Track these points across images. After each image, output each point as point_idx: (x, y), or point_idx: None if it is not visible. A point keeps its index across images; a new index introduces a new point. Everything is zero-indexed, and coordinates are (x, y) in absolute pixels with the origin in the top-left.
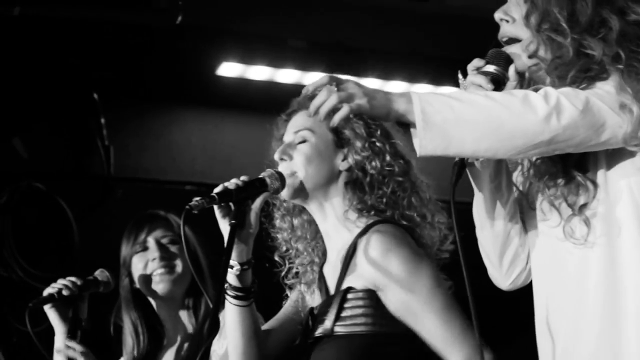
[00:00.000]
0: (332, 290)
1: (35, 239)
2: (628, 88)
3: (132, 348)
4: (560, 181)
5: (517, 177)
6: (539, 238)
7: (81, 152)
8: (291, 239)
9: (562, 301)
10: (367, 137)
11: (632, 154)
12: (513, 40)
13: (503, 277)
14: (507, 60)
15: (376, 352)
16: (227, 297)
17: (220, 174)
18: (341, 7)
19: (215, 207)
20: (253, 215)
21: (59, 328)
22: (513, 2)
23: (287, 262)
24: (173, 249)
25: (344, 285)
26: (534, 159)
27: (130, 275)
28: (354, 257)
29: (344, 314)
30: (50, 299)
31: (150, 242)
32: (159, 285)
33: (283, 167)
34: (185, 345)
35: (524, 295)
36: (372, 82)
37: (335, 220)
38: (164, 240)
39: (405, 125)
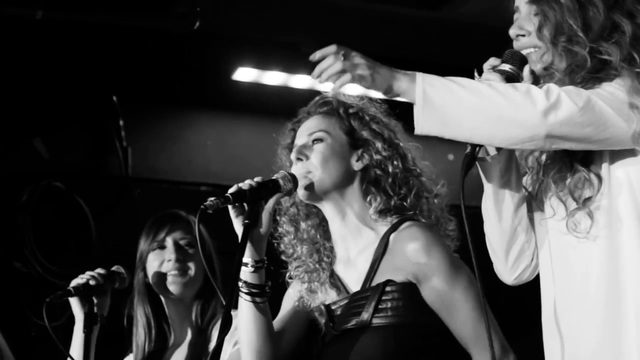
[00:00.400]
0: (351, 287)
1: (55, 236)
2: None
3: (144, 340)
4: (567, 176)
5: (527, 179)
6: (546, 235)
7: (100, 153)
8: (296, 242)
9: (568, 298)
10: (388, 138)
11: (634, 153)
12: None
13: (508, 271)
14: (522, 61)
15: (417, 342)
16: (241, 294)
17: (235, 176)
18: (354, 14)
19: (230, 207)
20: (266, 215)
21: (79, 319)
22: (524, 17)
23: (291, 264)
24: (189, 252)
25: (379, 279)
26: (543, 160)
27: (144, 270)
28: (386, 252)
29: (382, 305)
30: (66, 294)
31: (169, 242)
32: (172, 286)
33: (299, 167)
34: (192, 343)
35: (530, 294)
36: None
37: (356, 220)
38: (182, 242)
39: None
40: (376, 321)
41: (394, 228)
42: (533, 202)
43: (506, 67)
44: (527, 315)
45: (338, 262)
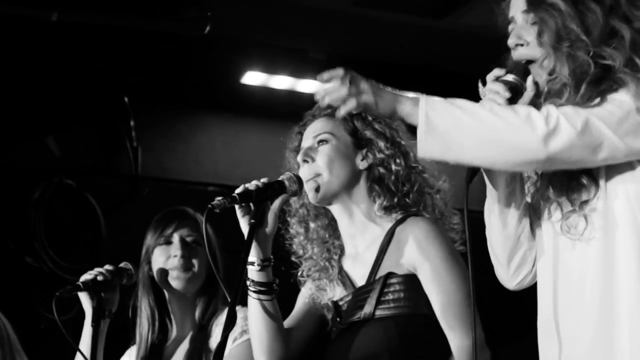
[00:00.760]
0: (357, 281)
1: (65, 232)
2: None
3: (147, 331)
4: (565, 181)
5: (528, 187)
6: (544, 238)
7: (111, 152)
8: (307, 243)
9: (565, 300)
10: (391, 137)
11: (631, 166)
12: (530, 62)
13: (510, 278)
14: (526, 71)
15: (418, 332)
16: (250, 293)
17: (241, 177)
18: (360, 22)
19: (236, 206)
20: (272, 215)
21: (89, 313)
22: (521, 26)
23: (302, 263)
24: (195, 249)
25: (383, 272)
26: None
27: (149, 264)
28: (390, 246)
29: (385, 297)
30: (75, 288)
31: (175, 238)
32: (175, 281)
33: (306, 169)
34: (193, 338)
35: (528, 295)
36: None
37: (363, 217)
38: (189, 239)
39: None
40: (379, 313)
41: (398, 223)
42: (532, 211)
43: (510, 77)
44: (525, 316)
45: (346, 258)
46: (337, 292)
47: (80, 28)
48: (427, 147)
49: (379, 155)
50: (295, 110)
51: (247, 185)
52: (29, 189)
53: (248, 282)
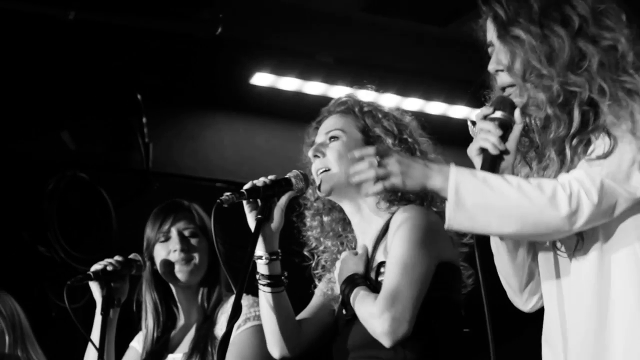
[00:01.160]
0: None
1: (78, 223)
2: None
3: (153, 325)
4: None
5: None
6: (544, 258)
7: (123, 147)
8: (321, 236)
9: (567, 314)
10: (398, 134)
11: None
12: (512, 85)
13: (524, 303)
14: (512, 105)
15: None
16: (260, 286)
17: (249, 174)
18: (366, 27)
19: (244, 202)
20: (278, 211)
21: (99, 302)
22: (499, 50)
23: (316, 256)
24: (193, 241)
25: (376, 262)
26: None
27: (152, 259)
28: (385, 236)
29: (380, 286)
30: (86, 278)
31: (173, 232)
32: (179, 274)
33: (317, 163)
34: (197, 329)
35: None
36: (390, 98)
37: (370, 212)
38: (186, 232)
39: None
40: None
41: (394, 214)
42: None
43: (498, 114)
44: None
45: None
46: None
47: (96, 27)
48: (455, 222)
49: None
50: (301, 111)
51: (255, 181)
52: (43, 181)
53: (257, 276)
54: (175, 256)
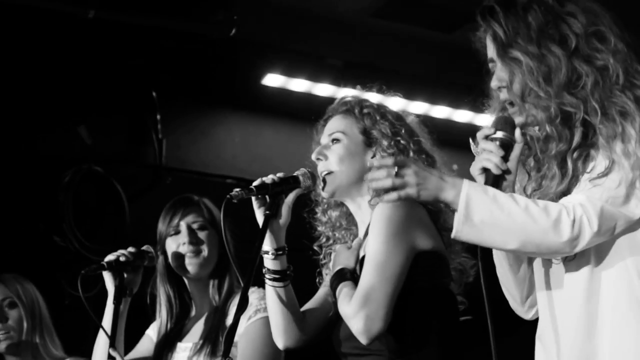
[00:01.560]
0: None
1: (92, 215)
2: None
3: (167, 317)
4: None
5: None
6: (539, 263)
7: (137, 142)
8: (330, 230)
9: (559, 318)
10: (392, 136)
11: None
12: (512, 104)
13: (525, 312)
14: (512, 125)
15: (399, 305)
16: (266, 280)
17: (258, 171)
18: (375, 32)
19: (253, 198)
20: (285, 208)
21: (111, 292)
22: (500, 68)
23: (325, 250)
24: (201, 234)
25: (362, 254)
26: None
27: (165, 253)
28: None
29: None
30: (99, 268)
31: (183, 226)
32: (189, 266)
33: (320, 166)
34: (210, 317)
35: None
36: (396, 101)
37: (367, 209)
38: (194, 226)
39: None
40: None
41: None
42: None
43: (499, 134)
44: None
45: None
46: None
47: (115, 26)
48: (462, 234)
49: (383, 154)
50: (310, 112)
51: (264, 178)
52: (60, 173)
53: (264, 270)
54: (184, 249)
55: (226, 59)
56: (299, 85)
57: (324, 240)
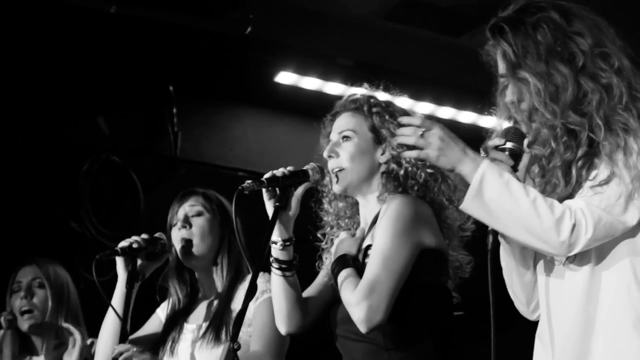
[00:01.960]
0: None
1: (108, 203)
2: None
3: (177, 298)
4: None
5: None
6: (542, 261)
7: (154, 134)
8: (335, 218)
9: (558, 316)
10: None
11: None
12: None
13: (530, 313)
14: (522, 136)
15: (400, 295)
16: (272, 269)
17: (269, 165)
18: (384, 34)
19: (264, 190)
20: (294, 200)
21: (122, 276)
22: (511, 84)
23: (328, 236)
24: (197, 221)
25: (366, 244)
26: None
27: (173, 245)
28: (376, 222)
29: (364, 268)
30: (113, 253)
31: (180, 214)
32: (181, 254)
33: (332, 163)
34: (215, 301)
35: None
36: (403, 101)
37: (374, 203)
38: (190, 213)
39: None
40: None
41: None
42: None
43: (509, 145)
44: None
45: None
46: None
47: (135, 21)
48: (469, 208)
49: (392, 152)
50: (321, 109)
51: (275, 171)
52: (79, 162)
53: (271, 259)
54: (179, 236)
55: (241, 56)
56: (310, 83)
57: (329, 229)
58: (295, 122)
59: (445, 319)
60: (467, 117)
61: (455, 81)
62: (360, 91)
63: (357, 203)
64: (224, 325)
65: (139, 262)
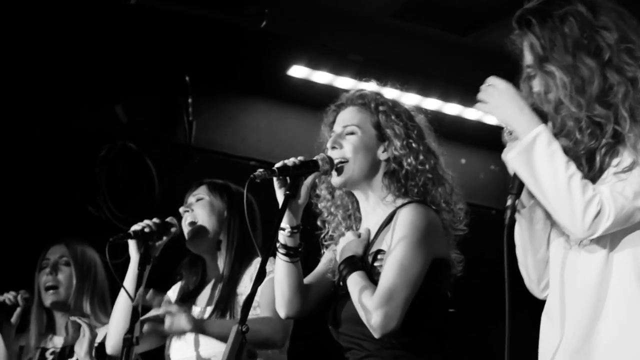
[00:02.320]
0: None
1: (124, 188)
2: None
3: (188, 280)
4: None
5: None
6: (555, 246)
7: (169, 123)
8: (332, 207)
9: (570, 298)
10: (405, 137)
11: None
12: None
13: (540, 292)
14: (545, 118)
15: None
16: (278, 254)
17: (280, 155)
18: (395, 32)
19: (275, 179)
20: (304, 189)
21: (134, 258)
22: (539, 76)
23: (326, 227)
24: (199, 204)
25: (375, 248)
26: None
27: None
28: (388, 226)
29: (375, 270)
30: (126, 236)
31: (186, 201)
32: (187, 237)
33: (334, 154)
34: (219, 284)
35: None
36: (411, 98)
37: (375, 201)
38: (192, 200)
39: None
40: None
41: (400, 208)
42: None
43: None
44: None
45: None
46: None
47: (154, 13)
48: (514, 160)
49: (395, 153)
50: (331, 102)
51: (286, 161)
52: (96, 148)
53: (278, 245)
54: (185, 219)
55: (255, 49)
56: (321, 77)
57: (326, 215)
58: (306, 114)
59: (444, 322)
60: (472, 113)
61: (462, 78)
62: (369, 87)
63: (353, 194)
64: (228, 309)
65: (150, 244)
